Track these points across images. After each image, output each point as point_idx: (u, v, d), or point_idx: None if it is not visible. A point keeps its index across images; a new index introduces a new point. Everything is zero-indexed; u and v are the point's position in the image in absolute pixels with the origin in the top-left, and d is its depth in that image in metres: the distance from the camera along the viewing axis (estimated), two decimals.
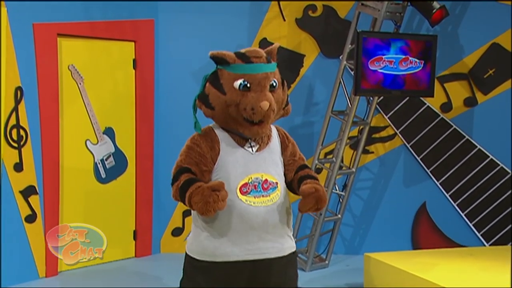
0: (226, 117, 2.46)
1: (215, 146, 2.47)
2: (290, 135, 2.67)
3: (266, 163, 2.48)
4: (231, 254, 2.43)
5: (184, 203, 2.43)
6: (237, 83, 2.41)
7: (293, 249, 2.56)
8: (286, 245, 2.52)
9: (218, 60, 2.47)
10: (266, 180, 2.46)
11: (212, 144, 2.47)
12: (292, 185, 2.57)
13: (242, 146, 2.48)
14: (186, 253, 2.56)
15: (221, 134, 2.49)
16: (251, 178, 2.43)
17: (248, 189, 2.42)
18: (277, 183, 2.49)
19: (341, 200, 5.08)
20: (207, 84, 2.49)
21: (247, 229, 2.42)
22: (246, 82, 2.41)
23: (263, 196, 2.44)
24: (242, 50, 2.49)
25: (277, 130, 2.62)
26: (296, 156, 2.62)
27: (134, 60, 5.13)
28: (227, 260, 2.43)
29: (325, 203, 2.47)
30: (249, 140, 2.49)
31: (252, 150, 2.48)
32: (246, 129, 2.44)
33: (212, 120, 2.53)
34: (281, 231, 2.50)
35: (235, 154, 2.46)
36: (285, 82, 2.57)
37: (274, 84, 2.46)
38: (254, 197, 2.42)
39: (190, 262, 2.53)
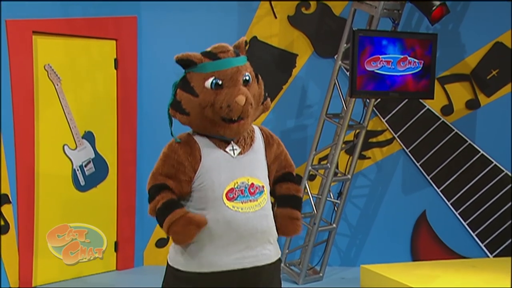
0: (203, 120, 2.45)
1: (195, 153, 2.45)
2: (276, 136, 2.65)
3: (251, 165, 2.48)
4: (218, 263, 2.42)
5: (161, 226, 2.46)
6: (208, 82, 2.41)
7: (279, 255, 2.58)
8: (273, 251, 2.53)
9: (184, 62, 2.48)
10: (252, 184, 2.45)
11: (191, 151, 2.46)
12: (273, 194, 2.60)
13: (224, 149, 2.47)
14: (168, 264, 2.54)
15: (200, 140, 2.48)
16: (237, 183, 2.43)
17: (235, 194, 2.42)
18: (263, 186, 2.49)
19: (336, 208, 5.06)
20: (178, 91, 2.49)
21: (235, 237, 2.42)
22: (217, 80, 2.41)
23: (250, 201, 2.44)
24: (208, 48, 2.50)
25: (260, 130, 2.61)
26: (282, 156, 2.62)
27: (115, 60, 5.10)
28: (214, 270, 2.42)
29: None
30: (231, 143, 2.48)
31: (234, 153, 2.47)
32: (226, 129, 2.43)
33: (189, 127, 2.53)
34: (269, 237, 2.51)
35: (217, 159, 2.45)
36: (259, 76, 2.58)
37: (248, 78, 2.47)
38: (242, 203, 2.42)
39: (172, 273, 2.51)
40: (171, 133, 2.53)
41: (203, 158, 2.44)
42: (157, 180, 2.47)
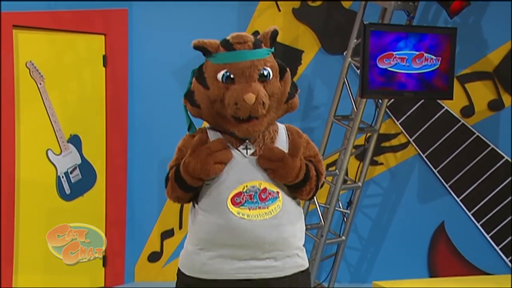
0: (213, 115, 2.45)
1: None
2: (307, 136, 2.59)
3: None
4: (220, 271, 2.42)
5: (184, 186, 2.42)
6: (220, 75, 2.40)
7: (300, 268, 2.50)
8: (289, 263, 2.47)
9: (201, 50, 2.47)
10: (265, 189, 2.41)
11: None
12: None
13: (236, 147, 2.44)
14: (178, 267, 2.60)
15: (213, 135, 2.47)
16: (246, 186, 2.40)
17: (242, 199, 2.39)
18: (278, 192, 2.43)
19: (345, 219, 5.03)
20: (194, 80, 2.50)
21: (239, 246, 2.40)
22: (229, 73, 2.38)
23: (259, 208, 2.40)
24: (228, 36, 2.48)
25: (287, 130, 2.56)
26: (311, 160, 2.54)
27: (104, 57, 5.08)
28: (216, 278, 2.43)
29: (284, 168, 2.40)
30: (246, 141, 2.46)
31: (247, 153, 2.44)
32: (235, 127, 2.41)
33: (202, 120, 2.54)
34: (283, 247, 2.45)
35: None
36: (287, 70, 2.51)
37: (265, 73, 2.42)
38: (249, 209, 2.39)
39: (179, 277, 2.56)
40: (189, 126, 2.52)
41: None
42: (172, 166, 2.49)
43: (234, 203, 2.40)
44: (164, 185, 2.52)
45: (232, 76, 2.38)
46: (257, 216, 2.40)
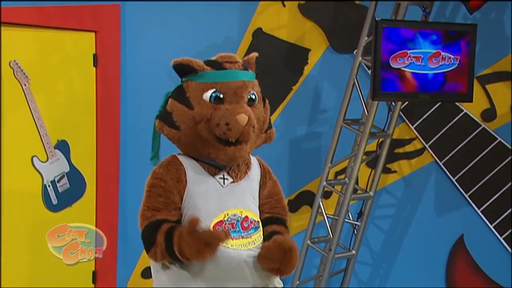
0: (194, 138, 2.45)
1: (181, 177, 2.46)
2: (275, 176, 2.65)
3: (246, 196, 2.47)
4: None
5: (177, 259, 2.40)
6: (208, 94, 2.43)
7: None
8: None
9: (183, 68, 2.49)
10: (246, 217, 2.45)
11: (178, 175, 2.46)
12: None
13: (214, 175, 2.44)
14: None
15: (187, 161, 2.49)
16: (227, 215, 2.43)
17: (224, 228, 2.42)
18: (259, 222, 2.48)
19: (355, 231, 5.04)
20: (170, 101, 2.52)
21: (225, 279, 2.41)
22: (218, 93, 2.42)
23: (242, 237, 2.43)
24: (213, 57, 2.51)
25: (258, 161, 2.62)
26: (274, 197, 2.59)
27: (94, 55, 5.06)
28: None
29: (290, 264, 2.39)
30: (222, 171, 2.47)
31: (225, 183, 2.46)
32: (221, 151, 2.41)
33: (177, 145, 2.53)
34: (267, 281, 2.47)
35: (205, 184, 2.45)
36: (266, 100, 2.58)
37: (254, 97, 2.48)
38: (232, 239, 2.42)
39: None
40: (153, 155, 2.53)
41: (189, 182, 2.44)
42: (148, 218, 2.45)
43: None
44: (145, 245, 2.49)
45: (221, 95, 2.42)
46: (241, 246, 2.44)
